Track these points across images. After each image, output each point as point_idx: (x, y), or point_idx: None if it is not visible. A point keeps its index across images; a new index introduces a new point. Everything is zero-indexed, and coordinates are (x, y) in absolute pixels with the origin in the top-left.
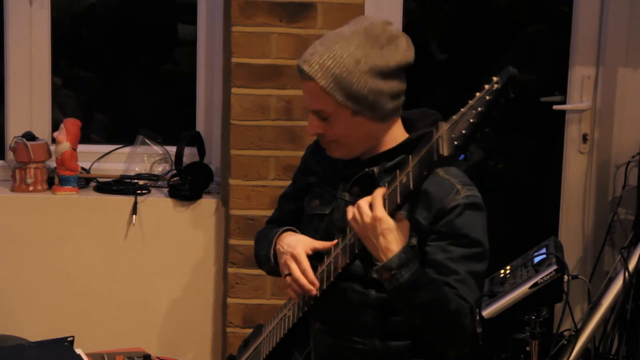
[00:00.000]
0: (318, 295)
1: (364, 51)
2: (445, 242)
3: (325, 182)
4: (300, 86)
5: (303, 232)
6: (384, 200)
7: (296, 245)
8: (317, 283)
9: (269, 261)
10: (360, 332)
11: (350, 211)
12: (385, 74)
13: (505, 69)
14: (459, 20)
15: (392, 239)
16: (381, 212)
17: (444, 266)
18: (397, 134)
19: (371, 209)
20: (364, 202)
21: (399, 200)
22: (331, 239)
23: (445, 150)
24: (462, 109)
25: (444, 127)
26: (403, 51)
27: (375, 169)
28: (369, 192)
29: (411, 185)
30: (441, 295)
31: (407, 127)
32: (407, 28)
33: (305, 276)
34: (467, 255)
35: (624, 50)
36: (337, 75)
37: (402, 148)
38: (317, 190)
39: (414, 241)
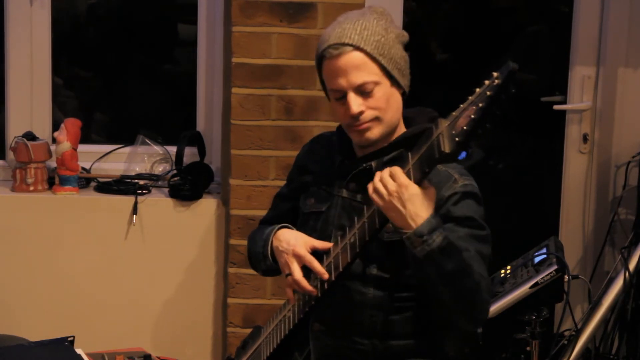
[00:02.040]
0: (319, 295)
1: (385, 24)
2: (450, 224)
3: (321, 180)
4: (301, 85)
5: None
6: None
7: (296, 243)
8: (326, 275)
9: (265, 259)
10: (360, 332)
11: (371, 185)
12: (405, 44)
13: (505, 64)
14: (459, 20)
15: (419, 205)
16: (405, 179)
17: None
18: (398, 131)
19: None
20: (385, 173)
21: None
22: (328, 237)
23: (446, 147)
24: (461, 105)
25: (444, 123)
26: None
27: (373, 164)
28: (366, 188)
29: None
30: (467, 264)
31: (406, 125)
32: (407, 28)
33: (312, 267)
34: (474, 235)
35: (624, 50)
36: (377, 42)
37: (399, 143)
38: (313, 189)
39: None
